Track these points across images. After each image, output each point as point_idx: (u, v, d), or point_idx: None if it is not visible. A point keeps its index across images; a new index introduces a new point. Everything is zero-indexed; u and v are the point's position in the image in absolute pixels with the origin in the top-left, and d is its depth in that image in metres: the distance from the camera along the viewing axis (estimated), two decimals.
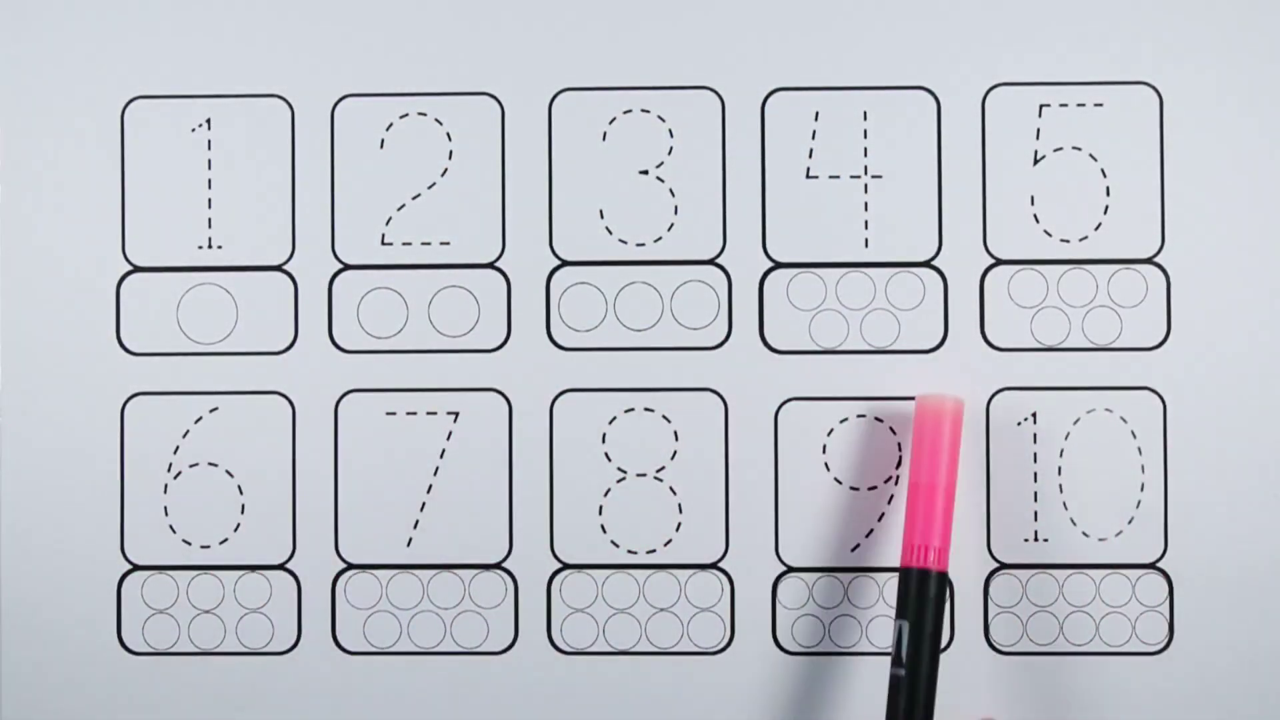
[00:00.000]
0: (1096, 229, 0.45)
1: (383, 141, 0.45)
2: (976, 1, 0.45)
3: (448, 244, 0.45)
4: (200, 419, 0.45)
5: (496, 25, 0.45)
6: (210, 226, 0.45)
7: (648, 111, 0.45)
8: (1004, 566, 0.45)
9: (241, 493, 0.45)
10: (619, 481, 0.45)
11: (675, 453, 0.45)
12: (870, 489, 0.45)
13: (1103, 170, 0.45)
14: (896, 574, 0.44)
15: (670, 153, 0.45)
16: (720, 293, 0.45)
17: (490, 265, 0.45)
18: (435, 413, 0.45)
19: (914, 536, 0.42)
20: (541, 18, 0.45)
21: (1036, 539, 0.45)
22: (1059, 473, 0.45)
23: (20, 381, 0.45)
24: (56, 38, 0.45)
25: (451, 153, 0.45)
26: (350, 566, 0.45)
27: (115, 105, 0.45)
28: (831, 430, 0.45)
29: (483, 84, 0.45)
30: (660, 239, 0.45)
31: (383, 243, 0.45)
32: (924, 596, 0.41)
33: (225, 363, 0.45)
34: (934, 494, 0.42)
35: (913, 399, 0.44)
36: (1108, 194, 0.45)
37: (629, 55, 0.45)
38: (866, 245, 0.45)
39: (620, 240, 0.45)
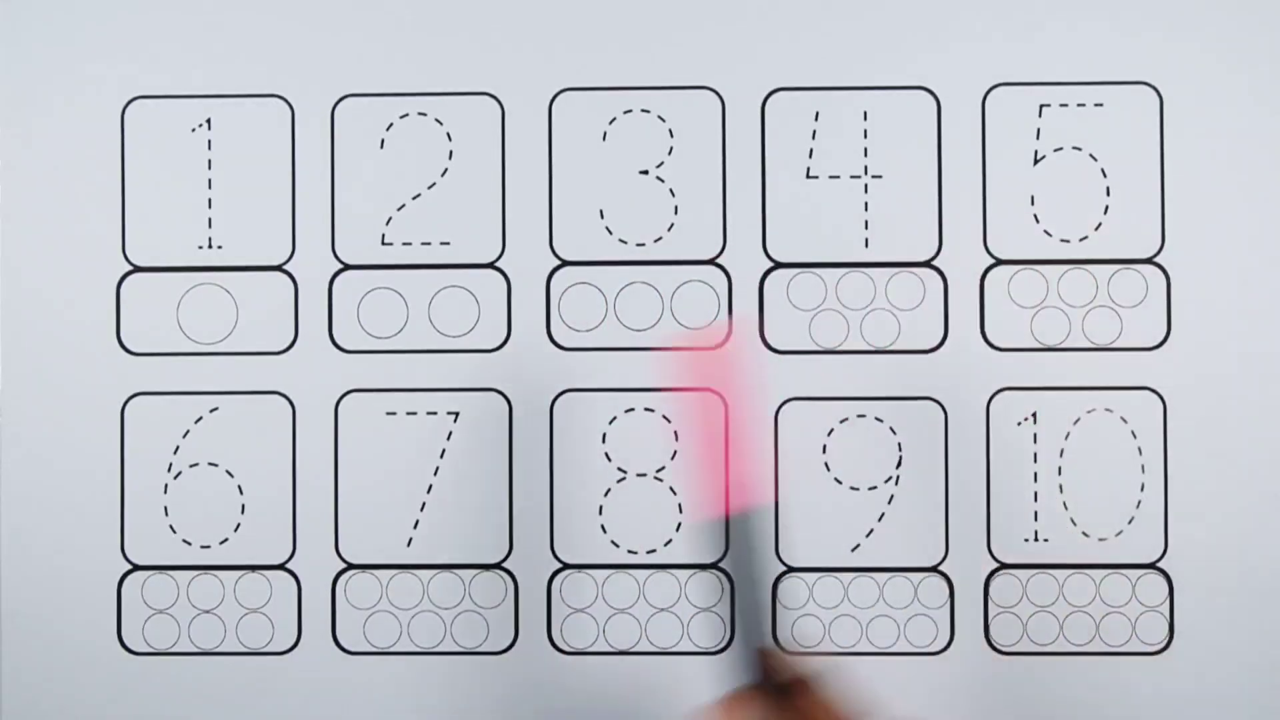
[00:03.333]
0: (1096, 229, 0.45)
1: (383, 141, 0.45)
2: (976, 1, 0.45)
3: (448, 244, 0.45)
4: (200, 419, 0.45)
5: (496, 25, 0.45)
6: (210, 226, 0.45)
7: (648, 111, 0.45)
8: (1004, 566, 0.45)
9: (241, 493, 0.45)
10: (619, 481, 0.45)
11: (675, 453, 0.45)
12: (870, 489, 0.45)
13: (1103, 170, 0.45)
14: (896, 574, 0.44)
15: (670, 153, 0.45)
16: (720, 293, 0.45)
17: (490, 265, 0.45)
18: (435, 413, 0.45)
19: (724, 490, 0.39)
20: (541, 18, 0.45)
21: (1036, 539, 0.45)
22: (1059, 473, 0.45)
23: (20, 381, 0.45)
24: (56, 38, 0.45)
25: (451, 153, 0.45)
26: (350, 566, 0.45)
27: (115, 105, 0.45)
28: (831, 430, 0.45)
29: (483, 84, 0.45)
30: (660, 239, 0.45)
31: (383, 243, 0.45)
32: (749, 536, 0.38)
33: (225, 363, 0.45)
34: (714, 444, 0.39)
35: (912, 399, 0.44)
36: (1108, 194, 0.45)
37: (629, 55, 0.45)
38: (866, 245, 0.45)
39: (620, 240, 0.45)
